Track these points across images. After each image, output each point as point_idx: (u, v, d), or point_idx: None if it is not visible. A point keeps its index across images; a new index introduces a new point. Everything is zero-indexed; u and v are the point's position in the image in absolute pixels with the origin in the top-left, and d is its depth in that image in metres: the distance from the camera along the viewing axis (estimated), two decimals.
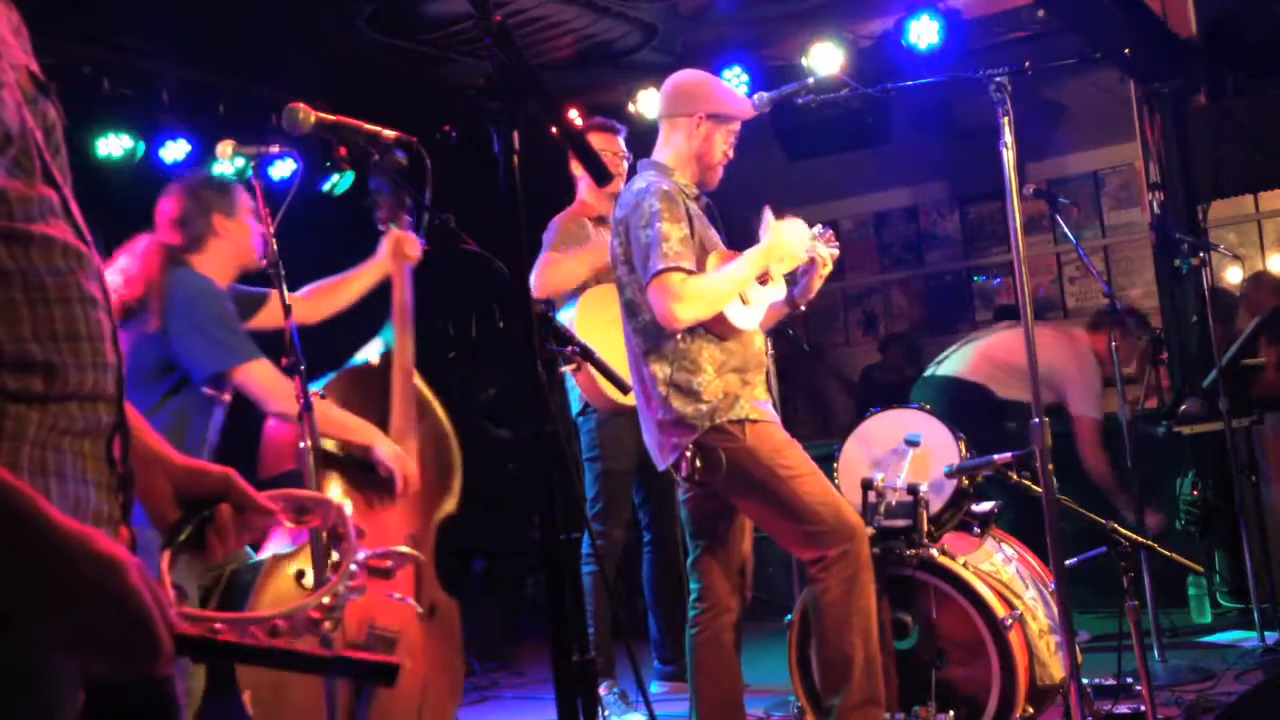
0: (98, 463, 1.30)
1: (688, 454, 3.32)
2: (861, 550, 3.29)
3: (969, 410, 4.97)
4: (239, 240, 3.50)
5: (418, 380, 3.60)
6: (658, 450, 3.44)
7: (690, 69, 3.74)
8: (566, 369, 4.69)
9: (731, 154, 3.57)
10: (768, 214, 3.51)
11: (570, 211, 4.85)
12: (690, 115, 3.51)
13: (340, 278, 3.75)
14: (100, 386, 1.29)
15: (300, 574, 3.22)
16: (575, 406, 4.81)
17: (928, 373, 5.93)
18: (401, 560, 1.48)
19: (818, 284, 3.65)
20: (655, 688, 4.94)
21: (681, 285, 3.26)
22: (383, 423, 3.45)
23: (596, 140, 4.83)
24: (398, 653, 3.32)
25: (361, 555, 1.43)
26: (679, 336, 3.35)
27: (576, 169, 4.92)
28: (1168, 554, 3.83)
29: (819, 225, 3.85)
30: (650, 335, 3.40)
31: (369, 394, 3.48)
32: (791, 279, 3.63)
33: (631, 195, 3.44)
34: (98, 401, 1.29)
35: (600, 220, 4.82)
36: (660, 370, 3.37)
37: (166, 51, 5.87)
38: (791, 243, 3.48)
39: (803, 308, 3.66)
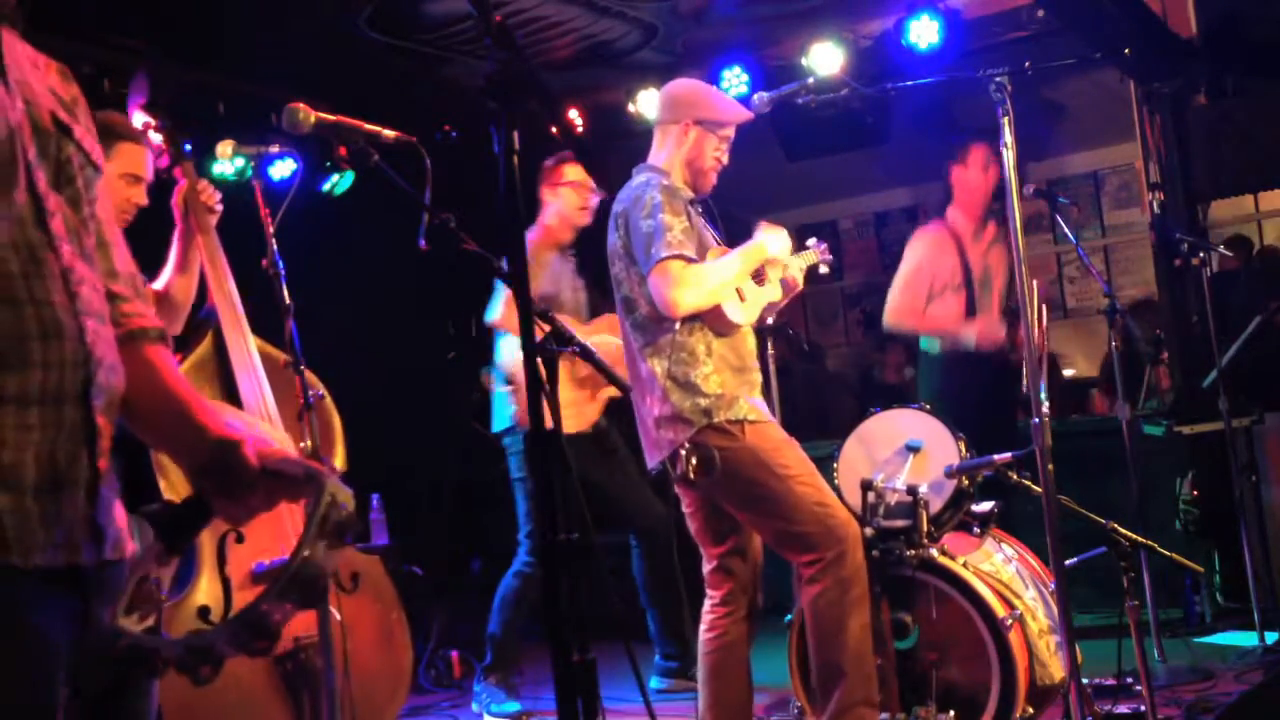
0: (72, 462, 1.35)
1: (683, 452, 3.32)
2: (856, 554, 3.30)
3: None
4: None
5: (267, 346, 3.33)
6: (650, 448, 3.44)
7: (683, 78, 3.84)
8: (504, 389, 4.74)
9: (725, 160, 3.62)
10: (761, 225, 3.63)
11: (537, 238, 4.85)
12: (678, 121, 3.58)
13: (169, 275, 3.39)
14: (56, 385, 1.34)
15: (204, 610, 3.05)
16: (501, 424, 4.80)
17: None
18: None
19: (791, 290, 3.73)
20: (655, 683, 4.94)
21: (683, 272, 3.31)
22: (234, 404, 3.16)
23: (572, 172, 4.88)
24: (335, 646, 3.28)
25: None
26: (677, 329, 3.38)
27: (546, 195, 4.92)
28: (1168, 554, 3.83)
29: (813, 239, 3.94)
30: (648, 330, 3.43)
31: (209, 383, 3.26)
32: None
33: (631, 190, 3.50)
34: (62, 404, 1.35)
35: (561, 249, 4.89)
36: (659, 365, 3.39)
37: (166, 51, 5.86)
38: (774, 242, 3.58)
39: (769, 321, 3.74)
